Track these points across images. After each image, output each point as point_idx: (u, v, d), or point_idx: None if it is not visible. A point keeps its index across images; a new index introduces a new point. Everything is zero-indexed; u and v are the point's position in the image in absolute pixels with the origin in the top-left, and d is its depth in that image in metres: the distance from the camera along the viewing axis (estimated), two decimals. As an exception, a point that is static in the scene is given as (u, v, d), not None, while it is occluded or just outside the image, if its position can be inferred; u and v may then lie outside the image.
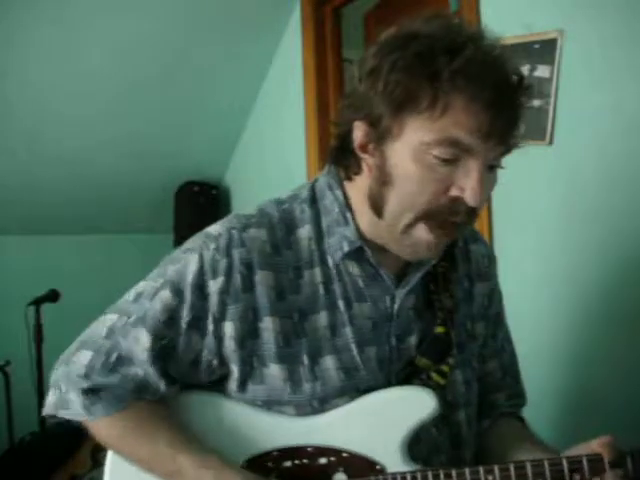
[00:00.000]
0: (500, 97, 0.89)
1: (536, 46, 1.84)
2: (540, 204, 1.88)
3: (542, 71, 1.83)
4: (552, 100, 1.80)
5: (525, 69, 1.87)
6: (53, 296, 2.94)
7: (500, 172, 1.97)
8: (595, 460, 0.90)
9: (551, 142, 1.82)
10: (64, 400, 1.05)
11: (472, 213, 0.96)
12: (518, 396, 1.23)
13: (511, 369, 1.22)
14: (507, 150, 0.96)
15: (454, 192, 0.92)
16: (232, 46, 3.03)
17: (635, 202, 1.62)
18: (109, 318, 1.06)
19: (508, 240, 1.99)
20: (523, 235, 1.94)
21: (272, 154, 3.23)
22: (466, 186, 0.91)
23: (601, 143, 1.70)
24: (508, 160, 1.93)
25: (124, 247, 3.57)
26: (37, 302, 2.88)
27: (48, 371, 1.13)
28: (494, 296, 1.19)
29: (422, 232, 0.95)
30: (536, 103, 1.85)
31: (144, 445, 1.02)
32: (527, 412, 1.26)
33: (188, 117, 3.26)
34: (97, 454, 2.60)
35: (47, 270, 3.32)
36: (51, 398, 1.07)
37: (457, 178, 0.92)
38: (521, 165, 1.92)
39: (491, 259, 1.20)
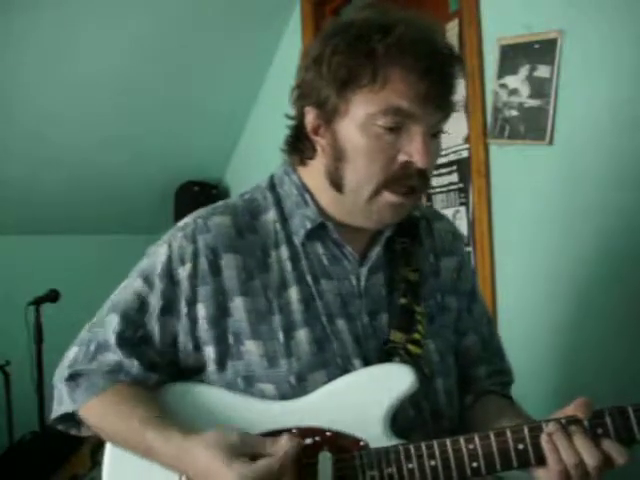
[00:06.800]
0: (433, 66, 0.96)
1: (536, 46, 1.84)
2: (540, 204, 1.88)
3: (542, 71, 1.83)
4: (552, 100, 1.80)
5: (525, 69, 1.88)
6: (53, 296, 2.94)
7: (500, 172, 2.00)
8: (573, 421, 0.92)
9: (551, 142, 1.82)
10: (59, 397, 1.10)
11: (423, 176, 1.01)
12: (502, 373, 1.23)
13: (491, 344, 1.23)
14: (445, 116, 1.02)
15: (402, 157, 0.99)
16: (232, 46, 3.03)
17: (635, 201, 1.63)
18: (94, 318, 1.13)
19: (508, 240, 2.00)
20: (523, 234, 1.94)
21: (272, 154, 3.21)
22: (412, 150, 0.98)
23: (601, 143, 1.70)
24: (508, 160, 1.96)
25: (124, 247, 3.52)
26: (37, 302, 2.89)
27: (48, 371, 1.15)
28: (464, 271, 1.22)
29: (388, 197, 1.01)
30: (536, 103, 1.85)
31: (122, 422, 1.03)
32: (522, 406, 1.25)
33: (188, 117, 3.26)
34: (97, 454, 2.60)
35: (47, 270, 3.33)
36: (54, 400, 1.11)
37: (403, 145, 0.98)
38: (521, 165, 1.93)
39: (455, 235, 1.24)
